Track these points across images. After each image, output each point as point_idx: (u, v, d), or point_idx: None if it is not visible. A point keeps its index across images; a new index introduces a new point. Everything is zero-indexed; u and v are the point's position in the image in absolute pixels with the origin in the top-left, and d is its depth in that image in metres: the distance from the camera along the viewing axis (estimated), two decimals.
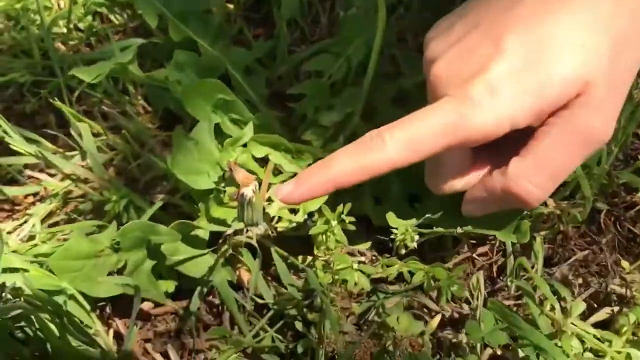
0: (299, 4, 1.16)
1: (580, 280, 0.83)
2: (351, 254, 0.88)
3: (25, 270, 0.70)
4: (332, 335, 0.74)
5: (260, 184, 0.80)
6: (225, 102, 0.93)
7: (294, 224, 0.95)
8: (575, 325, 0.73)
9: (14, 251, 0.78)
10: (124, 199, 0.85)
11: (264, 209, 0.78)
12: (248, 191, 0.74)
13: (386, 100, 1.05)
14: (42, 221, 0.98)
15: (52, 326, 0.72)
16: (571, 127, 0.64)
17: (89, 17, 1.32)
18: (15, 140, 0.89)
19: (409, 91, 1.06)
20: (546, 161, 0.66)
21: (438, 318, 0.75)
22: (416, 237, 0.78)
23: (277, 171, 0.97)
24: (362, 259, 0.87)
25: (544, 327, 0.73)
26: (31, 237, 0.94)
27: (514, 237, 0.76)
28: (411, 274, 0.80)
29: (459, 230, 0.80)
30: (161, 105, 1.11)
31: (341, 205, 0.81)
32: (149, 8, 1.04)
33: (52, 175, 1.06)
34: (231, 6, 1.33)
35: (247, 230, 0.79)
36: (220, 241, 0.86)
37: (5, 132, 0.92)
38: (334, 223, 0.80)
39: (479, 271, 0.80)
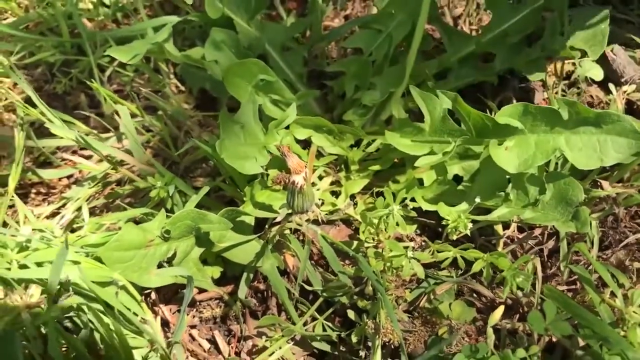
0: None
1: (637, 265, 0.81)
2: (399, 238, 0.86)
3: (77, 263, 0.69)
4: (388, 325, 0.72)
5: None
6: (266, 82, 0.90)
7: (337, 207, 0.93)
8: (637, 313, 0.71)
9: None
10: (170, 185, 0.83)
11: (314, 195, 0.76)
12: (299, 179, 0.72)
13: (429, 77, 1.02)
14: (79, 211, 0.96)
15: (103, 316, 0.71)
16: None
17: None
18: (56, 126, 0.87)
19: (450, 66, 1.03)
20: None
21: (501, 310, 0.73)
22: (469, 225, 0.76)
23: (318, 154, 0.95)
24: (412, 244, 0.85)
25: (606, 315, 0.71)
26: (71, 223, 0.93)
27: (573, 226, 0.73)
28: (464, 260, 0.78)
29: (514, 219, 0.78)
30: (196, 84, 1.08)
31: (404, 190, 0.78)
32: None
33: (86, 157, 1.04)
34: None
35: (295, 217, 0.77)
36: (267, 227, 0.85)
37: (43, 114, 0.90)
38: (395, 207, 0.77)
39: (535, 257, 0.78)
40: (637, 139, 0.73)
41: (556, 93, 1.04)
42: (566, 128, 0.77)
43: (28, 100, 0.95)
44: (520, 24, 0.99)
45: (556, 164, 0.88)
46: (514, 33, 0.99)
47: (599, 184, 0.85)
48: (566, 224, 0.74)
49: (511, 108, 0.80)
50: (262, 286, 0.88)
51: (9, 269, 0.71)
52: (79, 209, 0.95)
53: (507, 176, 0.83)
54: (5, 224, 0.89)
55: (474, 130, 0.83)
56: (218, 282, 0.87)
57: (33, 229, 0.78)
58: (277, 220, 0.78)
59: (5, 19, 1.29)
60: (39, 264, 0.69)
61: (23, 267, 0.71)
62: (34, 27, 1.26)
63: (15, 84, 1.14)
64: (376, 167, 0.95)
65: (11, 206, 0.95)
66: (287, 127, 0.90)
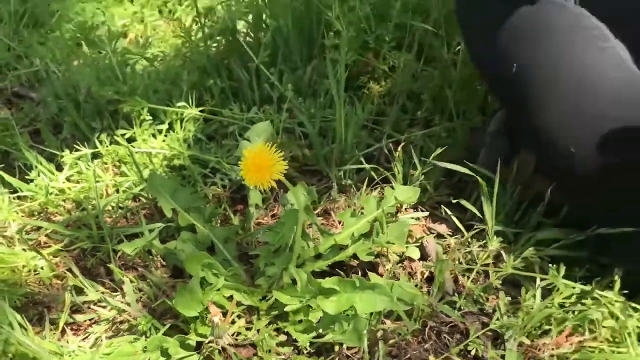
0: (260, 197, 1.87)
1: None
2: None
3: None
4: None
5: (224, 314, 1.45)
6: (209, 263, 1.60)
7: (247, 337, 1.59)
8: None
9: None
10: (150, 324, 1.51)
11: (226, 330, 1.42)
12: (216, 319, 1.39)
13: (310, 258, 1.73)
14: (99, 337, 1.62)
15: None
16: None
17: (128, 201, 2.04)
18: (94, 300, 1.57)
19: (322, 252, 1.73)
20: None
21: None
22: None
23: (239, 303, 1.62)
24: None
25: None
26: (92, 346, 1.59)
27: (359, 344, 1.39)
28: None
29: (333, 340, 1.44)
30: (172, 262, 1.78)
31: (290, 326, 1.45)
32: (167, 204, 1.75)
33: (102, 307, 1.71)
34: (219, 190, 2.05)
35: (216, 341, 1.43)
36: (202, 346, 1.50)
37: (84, 285, 1.60)
38: (273, 342, 1.43)
39: None
40: (391, 300, 1.41)
41: (388, 269, 1.73)
42: (360, 290, 1.45)
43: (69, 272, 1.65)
44: (360, 228, 1.72)
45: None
46: (356, 233, 1.71)
47: (382, 321, 1.52)
48: (355, 344, 1.40)
49: (333, 279, 1.49)
50: None
51: None
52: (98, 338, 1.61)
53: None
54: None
55: (318, 291, 1.51)
56: None
57: None
58: (207, 342, 1.44)
59: (55, 217, 2.03)
60: None
61: None
62: (74, 224, 1.99)
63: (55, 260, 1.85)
64: (276, 312, 1.62)
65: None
66: (219, 290, 1.59)
